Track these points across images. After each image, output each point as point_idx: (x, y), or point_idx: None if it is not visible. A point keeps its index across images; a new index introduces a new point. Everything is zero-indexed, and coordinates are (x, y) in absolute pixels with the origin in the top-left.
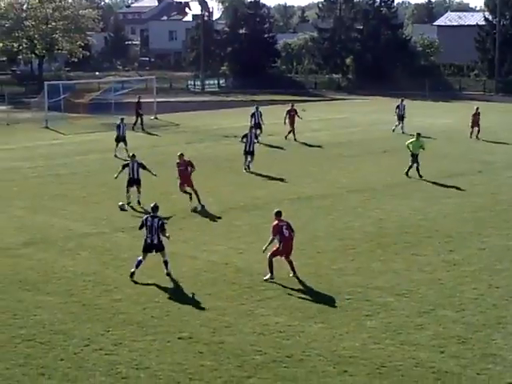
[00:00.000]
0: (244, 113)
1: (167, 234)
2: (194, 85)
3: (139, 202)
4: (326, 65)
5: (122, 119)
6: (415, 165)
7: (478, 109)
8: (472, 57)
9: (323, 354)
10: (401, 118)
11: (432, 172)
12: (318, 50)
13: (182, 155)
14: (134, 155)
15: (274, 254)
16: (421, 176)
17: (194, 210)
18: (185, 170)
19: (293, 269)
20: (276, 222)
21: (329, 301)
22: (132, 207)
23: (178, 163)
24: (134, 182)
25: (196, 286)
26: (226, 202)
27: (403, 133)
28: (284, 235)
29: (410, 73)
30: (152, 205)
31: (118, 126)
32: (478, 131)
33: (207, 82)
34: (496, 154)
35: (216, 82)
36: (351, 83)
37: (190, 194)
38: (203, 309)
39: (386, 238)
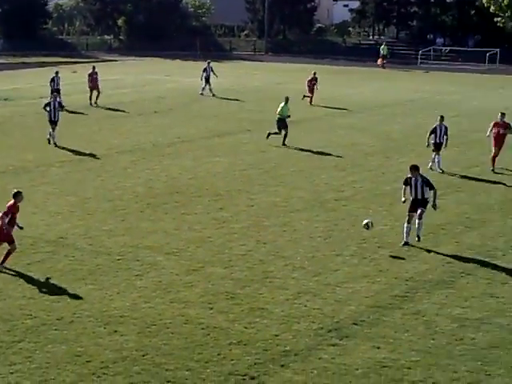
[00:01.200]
0: (13, 76)
1: None
2: None
3: None
4: (98, 26)
5: None
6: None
7: (315, 74)
8: (243, 17)
9: (94, 315)
10: (207, 80)
11: (200, 132)
12: (89, 11)
13: None
14: None
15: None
16: (284, 144)
17: None
18: None
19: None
20: (12, 202)
21: (99, 262)
22: None
23: None
24: None
25: None
26: None
27: (213, 95)
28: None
29: (182, 33)
30: None
31: None
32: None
33: None
34: (265, 113)
35: None
36: (123, 44)
37: None
38: None
39: (156, 198)
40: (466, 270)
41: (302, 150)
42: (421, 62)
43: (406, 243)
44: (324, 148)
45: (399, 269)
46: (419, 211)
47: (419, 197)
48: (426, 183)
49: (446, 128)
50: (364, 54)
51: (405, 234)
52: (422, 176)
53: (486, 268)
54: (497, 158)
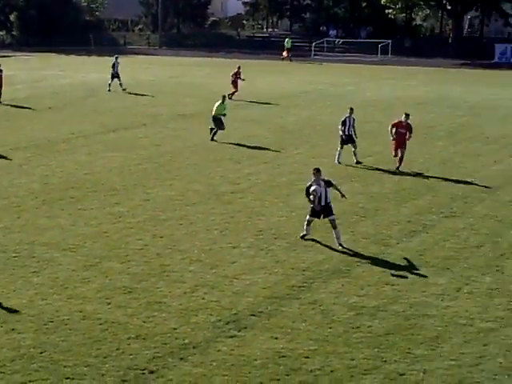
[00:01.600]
0: None
1: None
2: None
3: None
4: None
5: None
6: (217, 129)
7: (239, 68)
8: (137, 12)
9: None
10: (117, 75)
11: (95, 127)
12: None
13: None
14: None
15: None
16: (214, 139)
17: None
18: None
19: None
20: None
21: None
22: None
23: None
24: None
25: None
26: None
27: (124, 90)
28: None
29: (75, 28)
30: None
31: None
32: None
33: None
34: (160, 107)
35: None
36: (16, 40)
37: None
38: None
39: (52, 194)
40: (362, 258)
41: (197, 143)
42: (315, 54)
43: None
44: (219, 141)
45: (296, 259)
46: (331, 220)
47: (323, 203)
48: (328, 183)
49: (353, 120)
50: (258, 47)
51: (305, 232)
52: (323, 179)
53: (380, 256)
54: (403, 160)
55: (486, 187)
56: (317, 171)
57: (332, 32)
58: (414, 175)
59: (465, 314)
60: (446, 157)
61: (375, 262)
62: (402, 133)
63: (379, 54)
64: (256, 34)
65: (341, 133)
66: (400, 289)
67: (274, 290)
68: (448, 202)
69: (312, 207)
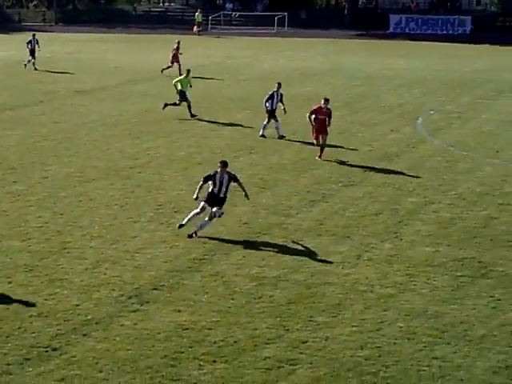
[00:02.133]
0: None
1: None
2: None
3: None
4: None
5: None
6: (186, 103)
7: (179, 43)
8: None
9: None
10: (32, 52)
11: None
12: None
13: None
14: None
15: None
16: (193, 115)
17: None
18: None
19: None
20: None
21: None
22: None
23: None
24: None
25: None
26: None
27: (35, 69)
28: None
29: None
30: None
31: None
32: (180, 66)
33: None
34: (57, 84)
35: None
36: None
37: None
38: None
39: None
40: (262, 229)
41: (95, 119)
42: (212, 28)
43: (182, 225)
44: (117, 116)
45: None
46: (214, 211)
47: (221, 195)
48: (233, 179)
49: (281, 95)
50: (155, 22)
51: (187, 219)
52: (228, 172)
53: (281, 227)
54: (324, 148)
55: (383, 156)
56: (223, 165)
57: (228, 5)
58: (312, 146)
59: (365, 280)
60: (344, 126)
61: (275, 232)
62: (321, 119)
63: (276, 27)
64: (152, 9)
65: (268, 106)
66: (301, 258)
67: (176, 264)
68: (346, 171)
69: (208, 194)
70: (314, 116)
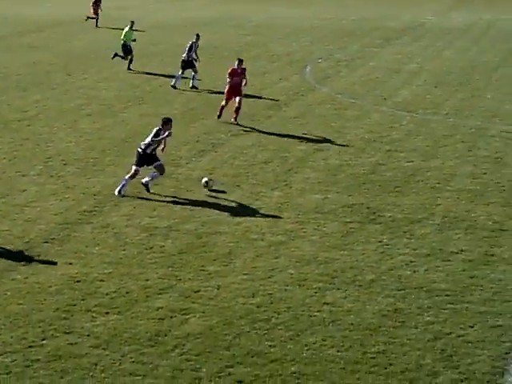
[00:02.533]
0: None
1: None
2: None
3: None
4: None
5: None
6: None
7: None
8: None
9: None
10: None
11: None
12: None
13: None
14: None
15: None
16: (130, 69)
17: None
18: None
19: None
20: None
21: None
22: None
23: None
24: None
25: None
26: None
27: None
28: None
29: None
30: None
31: None
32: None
33: None
34: None
35: None
36: None
37: None
38: None
39: None
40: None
41: None
42: None
43: (120, 193)
44: (4, 68)
45: (86, 184)
46: (158, 165)
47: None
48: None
49: (197, 46)
50: None
51: (121, 187)
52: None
53: (171, 177)
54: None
55: (272, 104)
56: (169, 121)
57: None
58: (202, 94)
59: (255, 229)
60: None
61: (166, 182)
62: (236, 81)
63: None
64: None
65: (184, 57)
66: (191, 208)
67: (66, 216)
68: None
69: (139, 156)
70: (229, 79)
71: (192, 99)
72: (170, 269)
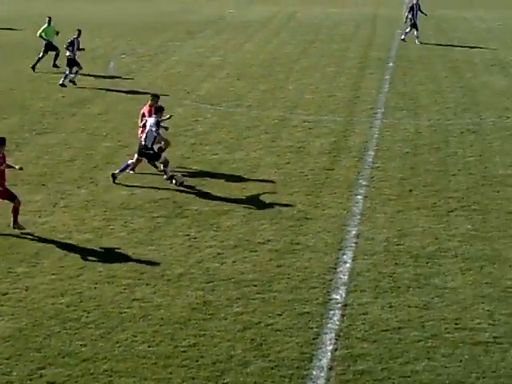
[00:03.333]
0: None
1: None
2: None
3: None
4: None
5: None
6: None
7: None
8: None
9: None
10: None
11: None
12: None
13: None
14: None
15: None
16: (56, 66)
17: None
18: None
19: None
20: None
21: None
22: None
23: None
24: None
25: None
26: None
27: None
28: None
29: None
30: None
31: None
32: None
33: None
34: None
35: None
36: None
37: None
38: None
39: None
40: None
41: None
42: None
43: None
44: None
45: None
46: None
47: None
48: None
49: (79, 42)
50: None
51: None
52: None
53: None
54: None
55: (75, 101)
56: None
57: None
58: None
59: (62, 228)
60: (35, 74)
61: None
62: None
63: None
64: None
65: (68, 54)
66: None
67: None
68: (39, 118)
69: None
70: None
71: None
72: None
